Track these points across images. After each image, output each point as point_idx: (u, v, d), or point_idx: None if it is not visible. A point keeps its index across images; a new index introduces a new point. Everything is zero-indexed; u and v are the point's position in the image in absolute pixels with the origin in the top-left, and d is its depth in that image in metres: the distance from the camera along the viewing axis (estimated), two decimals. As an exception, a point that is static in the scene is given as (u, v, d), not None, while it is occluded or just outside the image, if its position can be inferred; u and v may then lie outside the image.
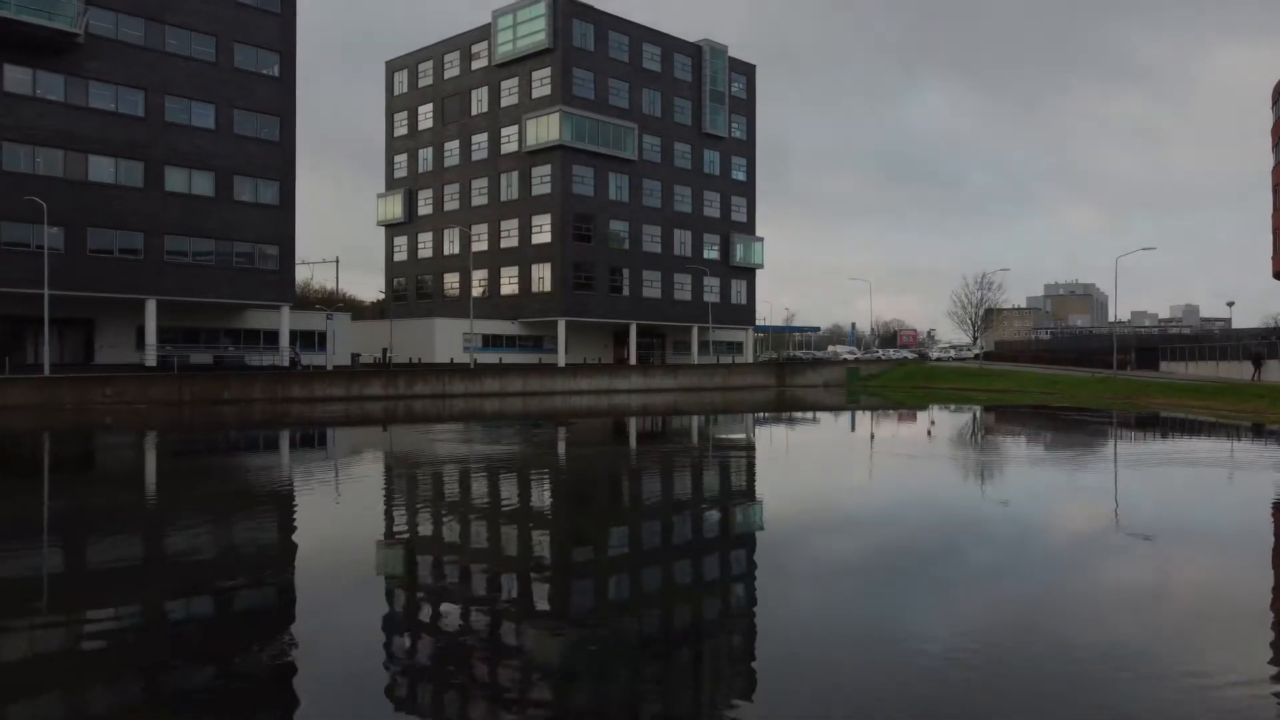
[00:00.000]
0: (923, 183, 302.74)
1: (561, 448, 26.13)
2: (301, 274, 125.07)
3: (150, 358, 46.00)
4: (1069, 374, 61.44)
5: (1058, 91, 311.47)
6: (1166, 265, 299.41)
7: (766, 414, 42.74)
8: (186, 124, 47.07)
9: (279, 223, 50.28)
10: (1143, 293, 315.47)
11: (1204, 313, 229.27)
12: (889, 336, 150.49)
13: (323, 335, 54.45)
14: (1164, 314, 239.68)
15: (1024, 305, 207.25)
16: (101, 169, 44.62)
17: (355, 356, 58.73)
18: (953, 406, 47.52)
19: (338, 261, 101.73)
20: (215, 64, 47.87)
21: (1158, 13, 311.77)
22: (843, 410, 47.08)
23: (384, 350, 61.04)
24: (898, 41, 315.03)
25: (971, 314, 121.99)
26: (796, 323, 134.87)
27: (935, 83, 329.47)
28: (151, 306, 46.03)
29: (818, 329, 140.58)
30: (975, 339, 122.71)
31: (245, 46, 48.78)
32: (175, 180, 46.76)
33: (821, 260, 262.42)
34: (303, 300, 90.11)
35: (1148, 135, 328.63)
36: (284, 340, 51.10)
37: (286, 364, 50.82)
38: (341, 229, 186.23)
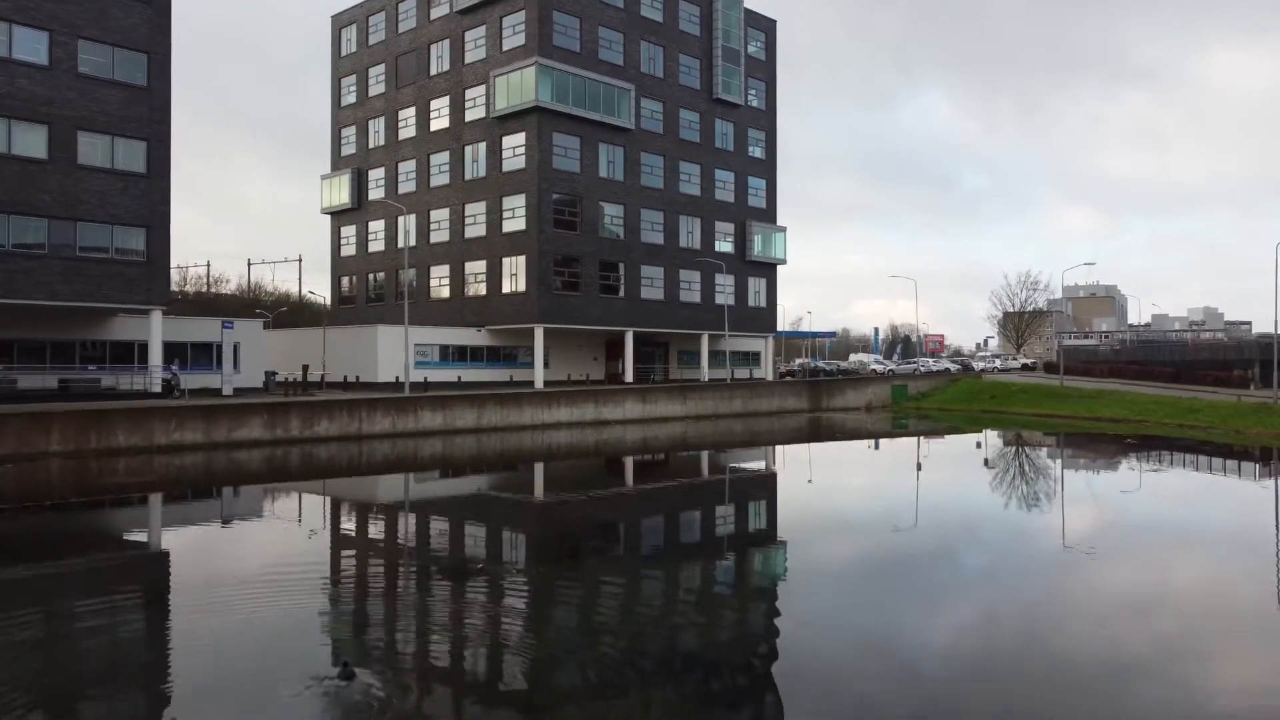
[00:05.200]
0: (918, 185, 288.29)
1: None
2: (259, 273, 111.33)
3: (-54, 384, 32.45)
4: (1194, 396, 47.62)
5: (1058, 91, 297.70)
6: (1164, 266, 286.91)
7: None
8: (4, 56, 33.52)
9: (146, 196, 36.70)
10: (1141, 295, 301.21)
11: (1228, 316, 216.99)
12: (906, 344, 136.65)
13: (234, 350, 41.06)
14: (1184, 316, 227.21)
15: (1043, 308, 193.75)
16: None
17: (270, 376, 45.10)
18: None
19: (300, 260, 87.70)
20: (49, -25, 34.34)
21: (1158, 13, 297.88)
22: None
23: (304, 368, 47.20)
24: (895, 40, 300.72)
25: (1015, 319, 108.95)
26: (804, 328, 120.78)
27: (933, 80, 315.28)
28: (-52, 312, 32.53)
29: (834, 335, 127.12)
30: (1019, 346, 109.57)
31: (95, -47, 35.26)
32: (-15, 134, 33.23)
33: (814, 263, 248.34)
34: (252, 304, 76.30)
35: (1147, 136, 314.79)
36: (154, 357, 37.48)
37: (159, 389, 37.27)
38: (319, 228, 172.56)
